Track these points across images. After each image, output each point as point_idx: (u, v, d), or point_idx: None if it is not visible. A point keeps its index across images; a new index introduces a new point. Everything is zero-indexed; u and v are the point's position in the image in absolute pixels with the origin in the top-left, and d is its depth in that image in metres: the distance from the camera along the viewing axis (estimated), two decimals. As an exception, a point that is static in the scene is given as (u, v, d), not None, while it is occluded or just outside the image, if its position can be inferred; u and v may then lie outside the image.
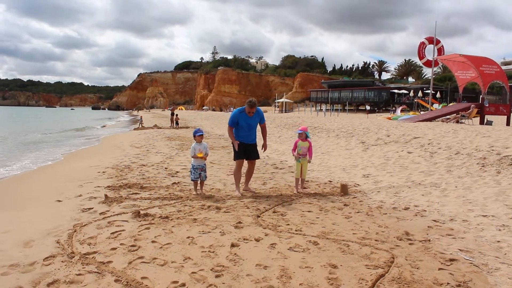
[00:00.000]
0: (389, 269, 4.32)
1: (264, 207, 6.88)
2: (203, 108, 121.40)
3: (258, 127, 8.32)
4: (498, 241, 5.19)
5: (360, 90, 75.95)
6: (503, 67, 52.56)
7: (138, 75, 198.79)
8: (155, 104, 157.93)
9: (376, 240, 5.24)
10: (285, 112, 75.62)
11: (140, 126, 35.68)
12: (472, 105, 24.93)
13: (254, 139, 8.22)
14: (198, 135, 8.09)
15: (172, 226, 5.73)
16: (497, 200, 7.01)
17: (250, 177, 8.45)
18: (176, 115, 35.91)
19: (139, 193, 7.92)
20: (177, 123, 34.63)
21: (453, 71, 30.96)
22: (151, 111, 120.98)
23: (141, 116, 42.16)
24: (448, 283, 3.99)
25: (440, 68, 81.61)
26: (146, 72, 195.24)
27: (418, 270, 4.30)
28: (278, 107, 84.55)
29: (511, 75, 64.20)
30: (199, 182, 8.04)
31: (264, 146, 8.29)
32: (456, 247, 5.01)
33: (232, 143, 8.17)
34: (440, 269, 4.35)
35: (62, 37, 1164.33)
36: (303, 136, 8.30)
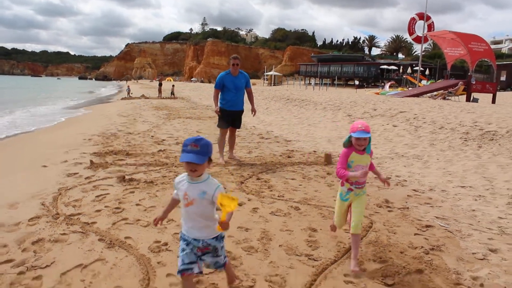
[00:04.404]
0: (367, 233, 4.46)
1: (248, 174, 6.98)
2: (192, 79, 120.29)
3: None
4: (473, 210, 5.37)
5: (350, 65, 75.76)
6: (493, 46, 52.83)
7: (126, 45, 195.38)
8: (143, 75, 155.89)
9: (356, 207, 5.37)
10: (274, 85, 75.38)
11: (128, 96, 35.41)
12: (460, 82, 25.11)
13: (242, 106, 8.23)
14: (186, 160, 2.81)
15: (157, 191, 5.80)
16: (476, 173, 7.20)
17: (234, 144, 8.51)
18: (173, 85, 36.34)
19: (124, 159, 7.95)
20: (172, 94, 34.47)
21: (442, 48, 31.07)
22: (139, 81, 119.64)
23: (128, 86, 41.45)
24: (422, 247, 4.15)
25: (430, 45, 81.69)
26: (134, 43, 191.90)
27: (394, 235, 4.45)
28: (267, 80, 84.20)
29: (500, 55, 64.67)
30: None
31: (253, 110, 8.35)
32: (432, 215, 5.17)
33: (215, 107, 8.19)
34: (416, 234, 4.51)
35: (45, 4, 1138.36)
36: (362, 144, 3.79)
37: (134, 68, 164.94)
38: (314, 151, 9.53)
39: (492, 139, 9.41)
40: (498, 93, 28.57)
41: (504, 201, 5.71)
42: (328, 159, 8.12)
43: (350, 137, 3.80)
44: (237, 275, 3.45)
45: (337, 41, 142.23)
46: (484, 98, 26.97)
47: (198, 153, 2.78)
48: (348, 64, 76.80)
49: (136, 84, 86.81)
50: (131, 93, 36.54)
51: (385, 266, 3.74)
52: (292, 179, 6.79)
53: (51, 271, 3.48)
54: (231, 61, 7.93)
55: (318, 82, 64.94)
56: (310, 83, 66.25)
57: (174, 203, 3.22)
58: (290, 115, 17.02)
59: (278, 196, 5.74)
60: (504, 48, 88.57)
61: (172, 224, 4.51)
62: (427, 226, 4.76)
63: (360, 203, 3.88)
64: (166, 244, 4.01)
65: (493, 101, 24.92)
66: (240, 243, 4.10)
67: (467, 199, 5.86)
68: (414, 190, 6.32)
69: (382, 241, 4.26)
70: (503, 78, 54.24)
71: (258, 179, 6.72)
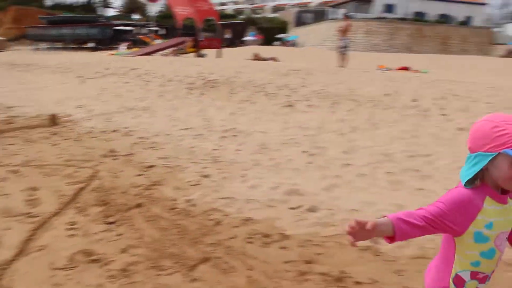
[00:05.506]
0: (90, 182, 4.53)
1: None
2: None
3: None
4: (192, 147, 6.00)
5: (83, 27, 71.91)
6: (219, 8, 57.43)
7: None
8: None
9: (81, 161, 5.36)
10: (-3, 52, 66.38)
11: None
12: (188, 39, 26.69)
13: None
14: None
15: None
16: (198, 116, 7.97)
17: None
18: None
19: None
20: None
21: (172, 7, 32.22)
22: None
23: None
24: (143, 184, 4.48)
25: (163, 6, 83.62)
26: None
27: (118, 179, 4.65)
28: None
29: (225, 15, 70.98)
30: None
31: None
32: (156, 157, 5.56)
33: None
34: (138, 175, 4.82)
35: None
36: None
37: None
38: (38, 115, 8.92)
39: (213, 87, 10.44)
40: (224, 49, 31.38)
41: (217, 136, 6.53)
42: (53, 120, 7.76)
43: (488, 161, 1.32)
44: None
45: (69, 2, 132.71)
46: (212, 53, 29.35)
47: None
48: (81, 26, 72.76)
49: None
50: None
51: (107, 207, 3.92)
52: (12, 144, 6.26)
53: None
54: None
55: (50, 46, 59.91)
56: (38, 48, 60.59)
57: None
58: (13, 80, 15.41)
59: (-8, 164, 5.27)
60: (229, 9, 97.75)
61: None
62: (150, 166, 5.13)
63: None
64: None
65: (218, 56, 27.35)
66: None
67: (188, 138, 6.47)
68: (140, 137, 6.61)
69: (105, 186, 4.41)
70: (228, 36, 59.66)
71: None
